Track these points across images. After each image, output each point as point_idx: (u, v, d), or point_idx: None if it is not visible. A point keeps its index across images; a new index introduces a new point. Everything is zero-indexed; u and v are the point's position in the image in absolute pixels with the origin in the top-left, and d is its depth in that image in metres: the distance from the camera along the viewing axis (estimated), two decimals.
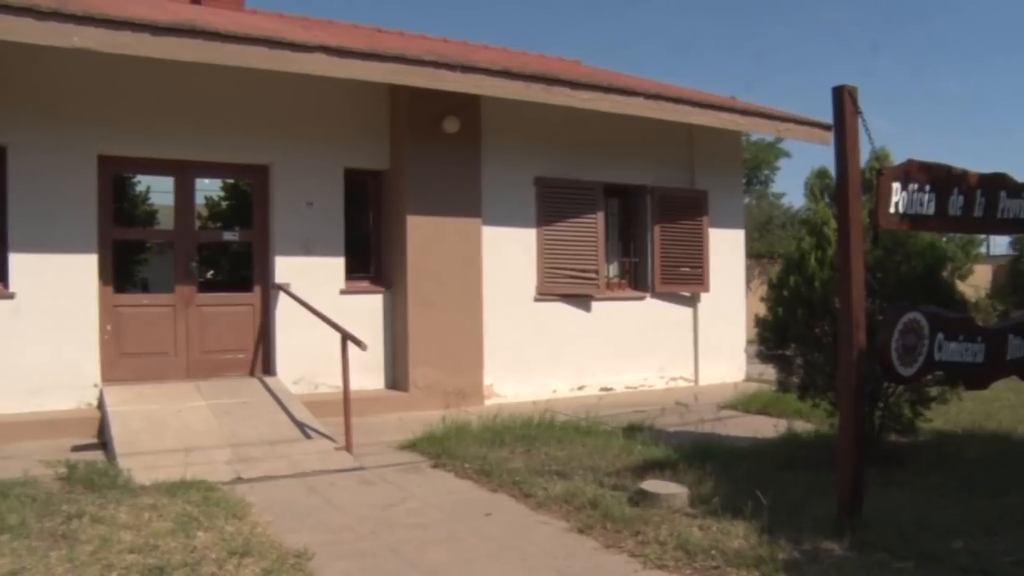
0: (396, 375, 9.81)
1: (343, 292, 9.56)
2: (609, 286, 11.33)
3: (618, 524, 4.98)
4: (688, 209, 11.76)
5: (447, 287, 9.76)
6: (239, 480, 6.24)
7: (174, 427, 7.40)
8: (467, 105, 9.69)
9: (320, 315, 8.33)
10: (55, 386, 8.15)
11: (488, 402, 9.87)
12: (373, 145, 9.82)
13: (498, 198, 10.20)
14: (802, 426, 7.90)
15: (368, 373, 9.45)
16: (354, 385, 7.66)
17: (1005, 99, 56.70)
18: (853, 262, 4.81)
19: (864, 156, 5.06)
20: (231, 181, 13.86)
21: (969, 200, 5.29)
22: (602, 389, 10.91)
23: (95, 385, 8.34)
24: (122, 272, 10.42)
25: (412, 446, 7.39)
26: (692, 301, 11.89)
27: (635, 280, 11.68)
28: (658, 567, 4.41)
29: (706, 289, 11.86)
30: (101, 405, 8.00)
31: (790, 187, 53.58)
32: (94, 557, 4.34)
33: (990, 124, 57.77)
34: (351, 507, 5.61)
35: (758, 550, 4.43)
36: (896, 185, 4.92)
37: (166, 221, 11.45)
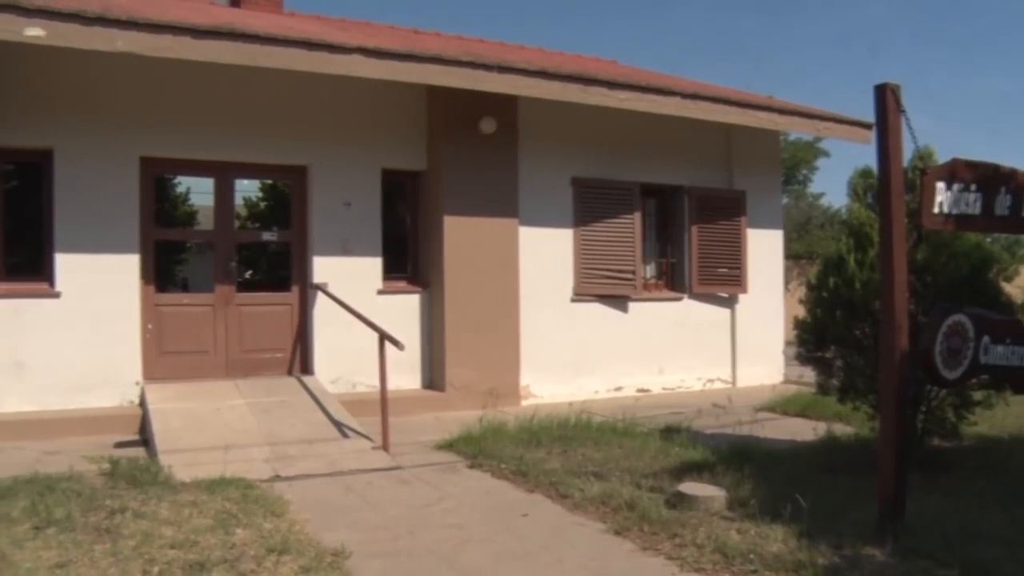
0: (433, 375, 9.84)
1: (380, 292, 9.61)
2: (646, 287, 11.27)
3: (655, 526, 4.95)
4: (726, 209, 11.67)
5: (484, 287, 9.77)
6: (277, 478, 6.30)
7: (213, 425, 7.48)
8: (504, 105, 9.69)
9: (358, 315, 8.38)
10: (98, 384, 8.28)
11: (524, 402, 9.87)
12: (410, 146, 9.86)
13: (535, 198, 10.20)
14: (841, 429, 7.80)
15: (405, 373, 9.49)
16: (391, 385, 7.69)
17: None
18: (895, 263, 4.73)
19: (907, 155, 4.98)
20: (269, 182, 14.02)
21: (1017, 199, 5.17)
22: (639, 390, 10.86)
23: (137, 383, 8.47)
24: (163, 272, 10.57)
25: (449, 446, 7.40)
26: (730, 302, 11.79)
27: (672, 281, 11.62)
28: (695, 570, 4.37)
29: (744, 290, 11.76)
30: (143, 403, 8.12)
31: (829, 187, 52.84)
32: (137, 552, 4.41)
33: None
34: (388, 506, 5.64)
35: (797, 554, 4.38)
36: (940, 184, 4.83)
37: (206, 222, 11.60)
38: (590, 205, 10.61)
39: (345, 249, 9.44)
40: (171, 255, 14.17)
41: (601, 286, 10.69)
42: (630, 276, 10.85)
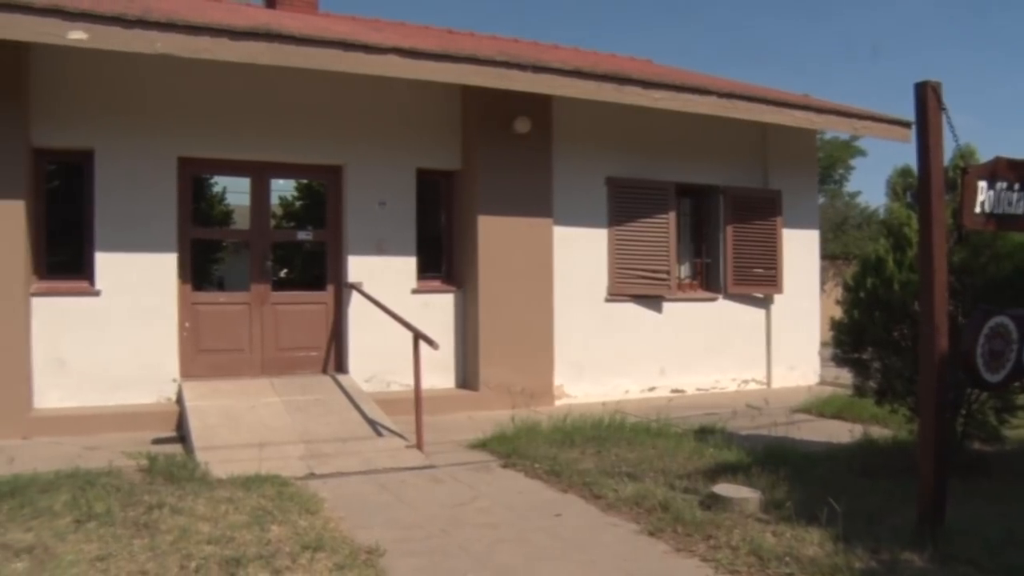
0: (467, 374, 9.86)
1: (415, 291, 9.64)
2: (681, 287, 11.21)
3: (689, 528, 4.92)
4: (761, 209, 11.57)
5: (518, 287, 9.77)
6: (312, 476, 6.34)
7: (249, 422, 7.56)
8: (538, 105, 9.69)
9: (392, 314, 8.41)
10: (136, 381, 8.40)
11: (558, 402, 9.86)
12: (445, 145, 9.88)
13: (569, 198, 10.18)
14: (879, 432, 7.71)
15: (439, 372, 9.51)
16: (425, 384, 7.71)
17: None
18: (936, 264, 4.67)
19: (947, 154, 4.91)
20: (305, 181, 14.13)
21: None
22: (673, 391, 10.81)
23: (174, 380, 8.57)
24: (200, 271, 10.69)
25: (482, 445, 7.41)
26: (765, 303, 11.69)
27: (707, 281, 11.54)
28: (730, 572, 4.34)
29: (779, 290, 11.65)
30: (180, 400, 8.22)
31: (866, 186, 52.37)
32: (174, 547, 4.47)
33: None
34: (422, 505, 5.66)
35: (834, 558, 4.33)
36: (982, 184, 4.76)
37: (241, 221, 11.73)
38: (625, 205, 10.57)
39: (380, 248, 9.48)
40: (207, 254, 14.34)
41: (636, 286, 10.65)
42: (665, 276, 10.80)
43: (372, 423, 7.78)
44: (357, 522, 5.15)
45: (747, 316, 11.56)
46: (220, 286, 14.83)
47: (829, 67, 54.92)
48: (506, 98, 9.31)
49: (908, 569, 4.24)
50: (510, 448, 7.10)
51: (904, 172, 29.14)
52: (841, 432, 8.01)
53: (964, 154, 5.35)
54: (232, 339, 9.11)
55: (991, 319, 4.70)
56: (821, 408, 9.49)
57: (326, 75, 8.38)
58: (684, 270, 11.49)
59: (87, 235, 8.45)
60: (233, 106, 8.88)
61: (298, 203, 16.22)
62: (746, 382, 11.49)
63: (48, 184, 8.64)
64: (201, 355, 8.92)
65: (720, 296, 11.40)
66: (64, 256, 8.59)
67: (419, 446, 7.24)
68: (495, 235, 9.68)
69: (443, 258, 10.18)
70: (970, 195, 4.72)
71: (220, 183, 15.83)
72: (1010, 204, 4.87)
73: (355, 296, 9.29)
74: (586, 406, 9.22)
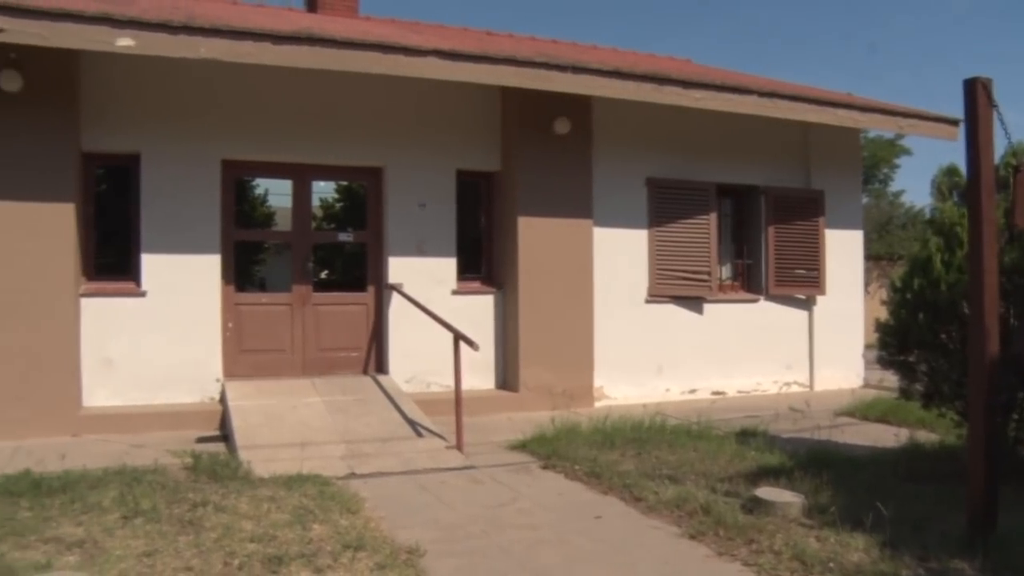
0: (506, 375, 9.86)
1: (455, 292, 9.67)
2: (722, 288, 11.12)
3: (731, 531, 4.87)
4: (803, 209, 11.43)
5: (558, 288, 9.75)
6: (352, 475, 6.38)
7: (291, 422, 7.63)
8: (578, 106, 9.67)
9: (433, 315, 8.44)
10: (181, 380, 8.52)
11: (598, 404, 9.82)
12: (484, 147, 9.90)
13: (609, 199, 10.14)
14: (925, 436, 7.58)
15: (479, 373, 9.53)
16: (465, 385, 7.72)
17: None
18: (985, 264, 4.57)
19: (998, 152, 4.81)
20: (345, 183, 14.23)
21: None
22: (714, 393, 10.72)
23: (217, 380, 8.68)
24: (242, 272, 10.82)
25: (522, 446, 7.41)
26: (807, 304, 11.55)
27: (748, 282, 11.44)
28: None
29: (822, 292, 11.51)
30: (223, 399, 8.33)
31: (911, 185, 51.46)
32: (218, 544, 4.54)
33: None
34: (461, 506, 5.67)
35: (880, 565, 4.26)
36: None
37: (283, 223, 11.84)
38: (665, 205, 10.51)
39: (420, 250, 9.53)
40: (250, 255, 14.50)
41: (676, 287, 10.58)
42: (706, 277, 10.72)
43: (412, 423, 7.81)
44: (397, 522, 5.18)
45: (789, 317, 11.43)
46: (262, 287, 14.99)
47: (874, 65, 54.13)
48: (545, 99, 9.31)
49: None
50: (550, 449, 7.09)
51: (950, 171, 28.66)
52: (886, 436, 7.89)
53: (1016, 151, 5.24)
54: (274, 339, 9.20)
55: None
56: (865, 411, 9.34)
57: (366, 77, 8.44)
58: (725, 271, 11.39)
59: (134, 237, 8.60)
60: (275, 109, 8.97)
61: (338, 205, 16.35)
62: (788, 384, 11.36)
63: (96, 187, 8.82)
64: (244, 355, 9.03)
65: (762, 297, 11.29)
66: (112, 258, 8.77)
67: (459, 447, 7.26)
68: (535, 236, 9.68)
69: (483, 259, 10.20)
70: (1022, 194, 4.62)
71: (262, 185, 16.01)
72: None
73: (395, 297, 9.34)
74: (626, 408, 9.18)
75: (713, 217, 10.79)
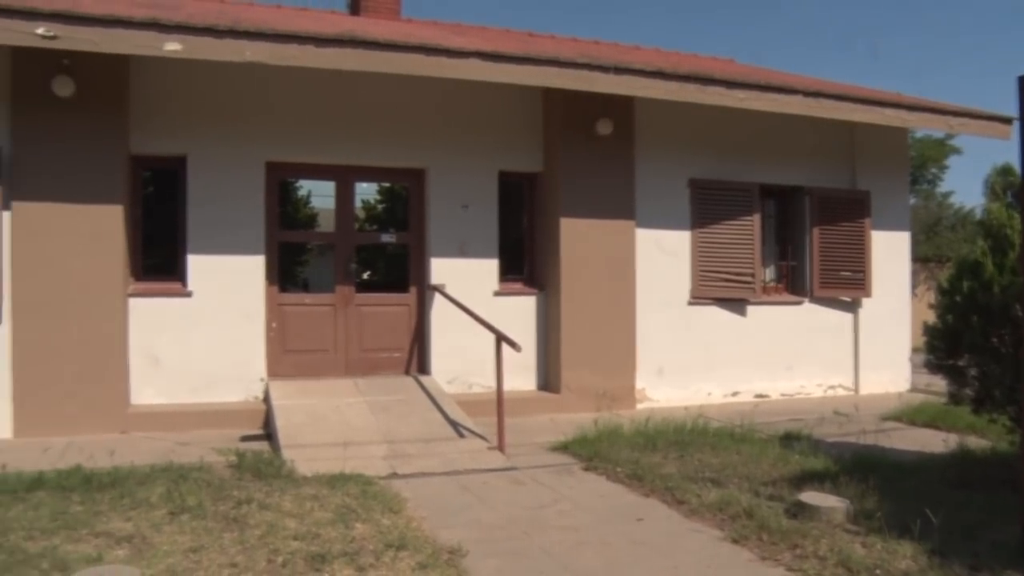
0: (548, 377, 9.86)
1: (497, 293, 9.68)
2: (765, 290, 11.01)
3: (774, 536, 4.82)
4: (849, 210, 11.27)
5: (600, 289, 9.72)
6: (395, 475, 6.42)
7: (333, 422, 7.69)
8: (620, 106, 9.63)
9: (475, 316, 8.47)
10: (225, 379, 8.64)
11: (640, 406, 9.78)
12: (527, 148, 9.91)
13: (652, 200, 10.09)
14: (976, 442, 7.41)
15: (520, 374, 9.53)
16: (506, 386, 7.73)
17: None
18: None
19: None
20: (387, 185, 14.33)
21: None
22: (757, 396, 10.62)
23: (261, 379, 8.79)
24: (286, 272, 10.93)
25: (564, 448, 7.40)
26: (853, 306, 11.39)
27: (792, 284, 11.30)
28: None
29: (868, 294, 11.33)
30: (266, 399, 8.43)
31: (960, 186, 50.43)
32: (262, 541, 4.59)
33: None
34: (503, 506, 5.67)
35: (928, 573, 4.19)
36: None
37: (326, 224, 11.96)
38: (708, 207, 10.43)
39: (462, 251, 9.56)
40: (293, 256, 14.66)
41: (719, 289, 10.50)
42: (749, 279, 10.62)
43: (454, 424, 7.84)
44: (439, 522, 5.20)
45: (834, 320, 11.28)
46: (305, 287, 15.15)
47: (922, 62, 53.22)
48: (588, 100, 9.29)
49: None
50: (592, 451, 7.07)
51: (1004, 171, 28.09)
52: (934, 442, 7.75)
53: None
54: (317, 340, 9.29)
55: None
56: (912, 416, 9.18)
57: (409, 79, 8.49)
58: (769, 273, 11.27)
59: (180, 238, 8.74)
60: (319, 111, 9.06)
61: (380, 206, 16.48)
62: (832, 388, 11.21)
63: (144, 190, 8.98)
64: (287, 355, 9.13)
65: (806, 299, 11.15)
66: (158, 258, 8.91)
67: (501, 448, 7.27)
68: (577, 237, 9.66)
69: (525, 260, 10.20)
70: None
71: (304, 187, 16.19)
72: None
73: (437, 298, 9.38)
74: (668, 410, 9.12)
75: (756, 218, 10.69)
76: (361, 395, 8.50)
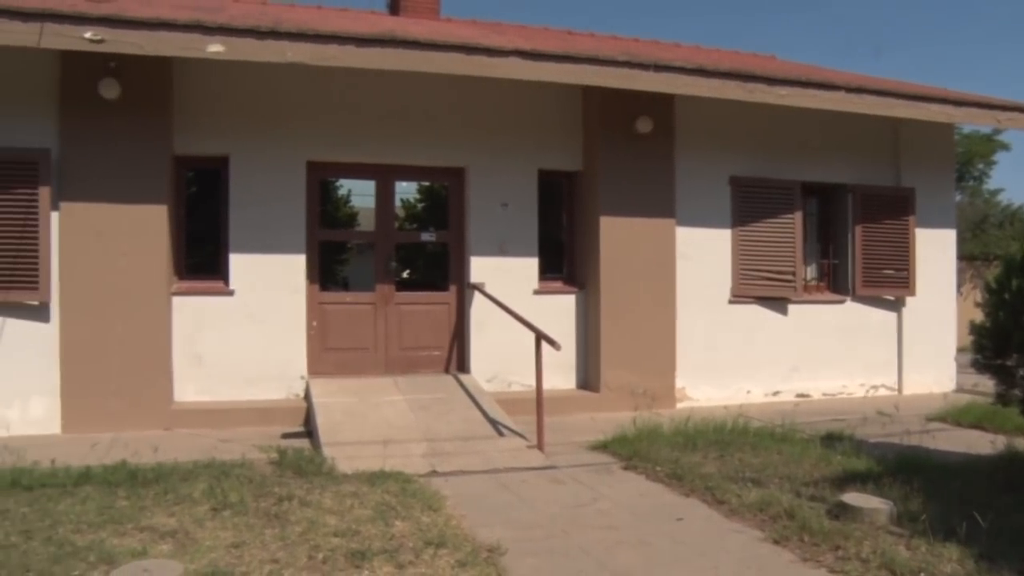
0: (587, 375, 9.84)
1: (536, 292, 9.68)
2: (807, 288, 10.88)
3: (816, 537, 4.77)
4: (892, 208, 11.10)
5: (640, 288, 9.68)
6: (434, 473, 6.45)
7: (373, 420, 7.74)
8: (660, 104, 9.57)
9: (514, 314, 8.47)
10: (266, 377, 8.74)
11: (679, 405, 9.72)
12: (566, 146, 9.89)
13: (692, 198, 10.03)
14: None
15: (560, 373, 9.52)
16: (546, 384, 7.72)
17: None
18: None
19: None
20: (426, 184, 14.39)
21: None
22: (798, 395, 10.50)
23: (301, 377, 8.87)
24: (326, 271, 11.02)
25: (603, 447, 7.38)
26: (896, 305, 11.22)
27: (834, 282, 11.16)
28: None
29: (912, 292, 11.15)
30: (307, 396, 8.51)
31: (1010, 183, 49.26)
32: (303, 538, 4.64)
33: None
34: (542, 505, 5.67)
35: None
36: None
37: (366, 223, 12.03)
38: (749, 205, 10.34)
39: (502, 249, 9.57)
40: (333, 255, 14.78)
41: (760, 288, 10.40)
42: (790, 278, 10.50)
43: (493, 423, 7.85)
44: (478, 520, 5.21)
45: (877, 319, 11.12)
46: (345, 286, 15.24)
47: (969, 57, 52.26)
48: (627, 98, 9.25)
49: None
50: (631, 450, 7.04)
51: None
52: (981, 443, 7.61)
53: None
54: (357, 338, 9.36)
55: None
56: (958, 417, 9.02)
57: (448, 79, 8.52)
58: (810, 271, 11.14)
59: (222, 237, 8.85)
60: (359, 111, 9.12)
61: (420, 205, 16.55)
62: (875, 388, 11.05)
63: (187, 190, 9.11)
64: (327, 353, 9.20)
65: (848, 298, 11.01)
66: (201, 257, 9.05)
67: (540, 446, 7.27)
68: (617, 236, 9.62)
69: (564, 259, 10.19)
70: None
71: (344, 186, 16.30)
72: None
73: (477, 296, 9.40)
74: (708, 409, 9.06)
75: (798, 216, 10.57)
76: (401, 393, 8.55)
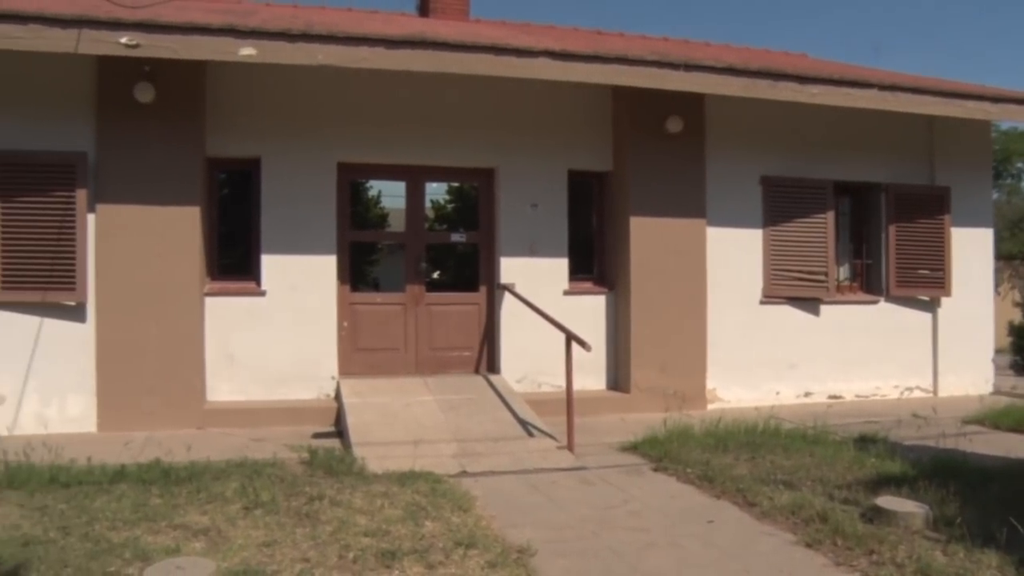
0: (617, 376, 9.80)
1: (566, 293, 9.66)
2: (839, 289, 10.76)
3: (850, 541, 4.72)
4: (927, 207, 10.94)
5: (670, 289, 9.63)
6: (464, 474, 6.46)
7: (403, 420, 7.77)
8: (690, 104, 9.52)
9: (544, 315, 8.46)
10: (298, 377, 8.81)
11: (710, 406, 9.66)
12: (596, 146, 9.86)
13: (723, 198, 9.96)
14: None
15: (590, 374, 9.50)
16: (576, 385, 7.72)
17: None
18: None
19: None
20: (456, 184, 14.43)
21: None
22: (830, 397, 10.39)
23: (332, 377, 8.93)
24: (357, 272, 11.09)
25: (633, 448, 7.35)
26: (931, 306, 11.06)
27: (868, 283, 11.03)
28: None
29: (947, 293, 10.99)
30: (337, 396, 8.56)
31: None
32: (333, 537, 4.67)
33: None
34: (572, 506, 5.66)
35: None
36: None
37: (396, 224, 12.09)
38: (780, 204, 10.25)
39: (532, 250, 9.56)
40: (364, 256, 14.88)
41: (792, 288, 10.30)
42: (822, 278, 10.40)
43: (523, 423, 7.85)
44: (508, 521, 5.21)
45: (911, 320, 10.97)
46: (376, 287, 15.34)
47: (1006, 52, 51.41)
48: (657, 97, 9.21)
49: None
50: (662, 452, 7.01)
51: None
52: (1020, 447, 7.50)
53: None
54: (388, 338, 9.39)
55: None
56: (996, 420, 8.87)
57: (478, 79, 8.53)
58: (843, 271, 11.02)
59: (254, 238, 8.93)
60: (389, 112, 9.16)
61: (450, 206, 16.60)
62: (910, 389, 10.90)
63: (219, 191, 9.20)
64: (358, 353, 9.25)
65: (882, 299, 10.87)
66: (233, 258, 9.13)
67: (570, 447, 7.26)
68: (647, 236, 9.58)
69: (594, 259, 10.16)
70: None
71: (374, 187, 16.40)
72: None
73: (507, 297, 9.40)
74: (739, 411, 8.99)
75: (830, 216, 10.45)
76: (431, 394, 8.57)
